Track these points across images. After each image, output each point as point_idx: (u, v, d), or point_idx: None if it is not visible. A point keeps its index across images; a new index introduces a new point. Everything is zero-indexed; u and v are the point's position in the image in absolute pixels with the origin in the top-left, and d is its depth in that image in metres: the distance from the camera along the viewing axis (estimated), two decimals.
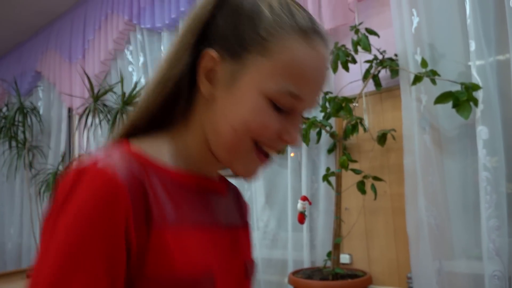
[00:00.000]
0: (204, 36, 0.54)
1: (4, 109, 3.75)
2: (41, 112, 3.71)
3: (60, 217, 0.43)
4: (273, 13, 0.50)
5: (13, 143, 3.55)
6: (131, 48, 2.88)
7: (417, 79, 1.51)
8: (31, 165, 3.55)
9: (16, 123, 3.52)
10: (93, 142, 3.04)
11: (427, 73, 1.50)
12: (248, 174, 0.55)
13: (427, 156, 1.53)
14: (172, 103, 0.55)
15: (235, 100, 0.51)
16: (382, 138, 1.65)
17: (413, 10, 1.61)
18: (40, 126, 3.65)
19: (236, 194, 0.71)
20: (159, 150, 0.55)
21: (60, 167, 3.21)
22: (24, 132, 3.54)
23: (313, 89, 0.52)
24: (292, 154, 1.96)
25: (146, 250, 0.46)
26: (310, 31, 0.51)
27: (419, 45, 1.60)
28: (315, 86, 0.52)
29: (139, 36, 2.76)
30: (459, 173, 1.53)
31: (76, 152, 3.42)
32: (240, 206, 0.71)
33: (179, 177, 0.55)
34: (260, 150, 0.53)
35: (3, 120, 3.56)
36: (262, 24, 0.50)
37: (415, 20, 1.61)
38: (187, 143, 0.57)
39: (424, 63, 1.51)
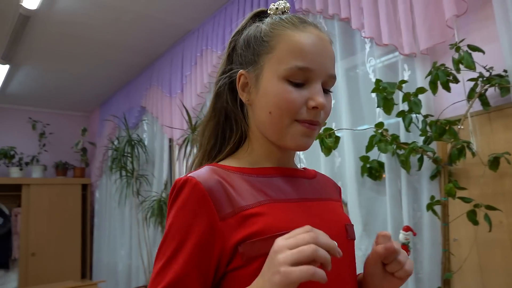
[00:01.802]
0: (231, 68, 0.74)
1: (116, 142, 4.17)
2: (146, 143, 4.05)
3: (167, 220, 0.62)
4: (268, 25, 0.70)
5: (123, 173, 3.92)
6: None
7: None
8: (138, 193, 3.87)
9: (125, 154, 3.89)
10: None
11: None
12: (298, 145, 0.68)
13: None
14: (231, 123, 0.74)
15: (263, 93, 0.67)
16: (494, 163, 1.49)
17: None
18: (145, 156, 3.98)
19: (325, 179, 0.83)
20: (238, 160, 0.71)
21: (163, 195, 3.45)
22: (132, 162, 3.89)
23: (317, 59, 0.65)
24: (383, 176, 1.87)
25: (235, 224, 0.60)
26: (298, 22, 0.68)
27: None
28: (317, 56, 0.66)
29: None
30: None
31: None
32: (331, 187, 0.82)
33: (258, 171, 0.69)
34: (301, 121, 0.66)
35: (115, 152, 3.96)
36: (263, 34, 0.69)
37: None
38: (256, 148, 0.72)
39: None
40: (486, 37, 1.63)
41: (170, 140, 3.70)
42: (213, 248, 0.59)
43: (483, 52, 1.52)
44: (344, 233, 0.70)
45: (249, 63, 0.70)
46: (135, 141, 3.94)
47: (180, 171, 3.50)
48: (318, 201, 0.72)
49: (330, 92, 0.72)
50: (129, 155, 3.91)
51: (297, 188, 0.71)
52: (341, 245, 0.61)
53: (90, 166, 5.32)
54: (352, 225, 0.74)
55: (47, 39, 3.41)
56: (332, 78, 0.69)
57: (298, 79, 0.65)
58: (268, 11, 0.75)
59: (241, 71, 0.71)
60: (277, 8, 0.73)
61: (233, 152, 0.74)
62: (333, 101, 2.21)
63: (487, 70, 1.55)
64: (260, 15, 0.76)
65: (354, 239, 0.74)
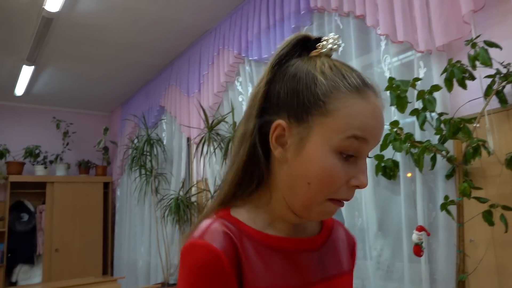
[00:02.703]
0: (265, 106, 0.62)
1: (135, 141, 4.25)
2: (164, 142, 4.11)
3: (178, 284, 0.57)
4: (326, 79, 0.59)
5: (142, 171, 3.99)
6: (240, 79, 3.04)
7: None
8: (157, 191, 3.93)
9: (144, 153, 3.95)
10: (208, 168, 3.24)
11: None
12: (324, 216, 0.62)
13: None
14: (253, 171, 0.63)
15: (306, 159, 0.58)
16: (511, 162, 1.45)
17: None
18: (164, 155, 4.04)
19: (338, 238, 0.74)
20: (253, 217, 0.63)
21: (181, 193, 3.49)
22: (151, 161, 3.96)
23: (374, 131, 0.59)
24: (409, 175, 1.84)
25: None
26: (360, 86, 0.59)
27: None
28: (374, 129, 0.59)
29: (247, 68, 2.91)
30: None
31: (194, 178, 3.68)
32: (343, 249, 0.73)
33: (271, 240, 0.62)
34: (332, 199, 0.59)
35: (135, 151, 4.03)
36: (319, 89, 0.58)
37: None
38: (273, 207, 0.64)
39: None
40: (505, 33, 1.59)
41: (188, 139, 3.74)
42: None
43: (500, 48, 1.48)
44: None
45: (293, 116, 0.59)
46: (154, 140, 4.00)
47: (198, 170, 3.54)
48: (327, 281, 0.65)
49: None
50: (148, 154, 3.97)
51: (304, 267, 0.63)
52: None
53: (112, 165, 5.43)
54: None
55: (70, 41, 3.51)
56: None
57: (351, 151, 0.58)
58: (318, 48, 0.63)
59: (280, 121, 0.60)
60: (331, 49, 0.63)
61: (249, 194, 0.66)
62: None
63: (505, 67, 1.50)
64: (307, 45, 0.64)
65: None
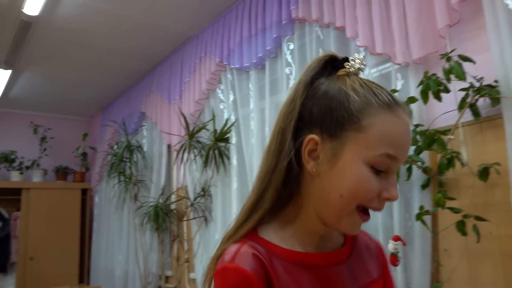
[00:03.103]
0: (298, 124, 0.64)
1: (115, 147, 4.19)
2: (145, 149, 4.07)
3: None
4: (359, 96, 0.61)
5: (122, 178, 3.93)
6: (222, 87, 3.04)
7: None
8: (136, 198, 3.88)
9: (124, 159, 3.90)
10: (189, 176, 3.22)
11: None
12: (352, 231, 0.64)
13: None
14: (284, 187, 0.65)
15: (340, 173, 0.60)
16: (484, 173, 1.49)
17: None
18: (144, 162, 3.99)
19: (365, 247, 0.76)
20: (281, 235, 0.65)
21: (160, 200, 3.45)
22: (130, 168, 3.91)
23: (404, 149, 0.62)
24: None
25: None
26: (391, 103, 0.61)
27: None
28: (405, 146, 0.62)
29: (229, 76, 2.92)
30: None
31: (174, 186, 3.65)
32: (371, 257, 0.75)
33: (300, 258, 0.64)
34: (362, 210, 0.62)
35: (114, 157, 3.97)
36: (353, 106, 0.60)
37: None
38: (303, 221, 0.66)
39: None
40: (478, 47, 1.64)
41: (169, 146, 3.71)
42: None
43: (474, 62, 1.53)
44: None
45: (326, 131, 0.61)
46: (134, 147, 3.96)
47: (178, 177, 3.51)
48: None
49: None
50: (127, 160, 3.92)
51: (334, 281, 0.65)
52: None
53: (90, 171, 5.34)
54: None
55: (49, 45, 3.45)
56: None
57: (383, 168, 0.60)
58: (347, 67, 0.66)
59: (313, 136, 0.62)
60: (359, 69, 0.65)
61: (276, 211, 0.67)
62: None
63: (478, 81, 1.55)
64: (334, 64, 0.67)
65: None
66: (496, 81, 1.52)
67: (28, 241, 4.61)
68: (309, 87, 0.65)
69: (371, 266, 0.73)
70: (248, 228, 0.65)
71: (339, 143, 0.61)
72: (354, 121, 0.60)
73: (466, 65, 1.52)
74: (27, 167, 4.93)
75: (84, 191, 5.21)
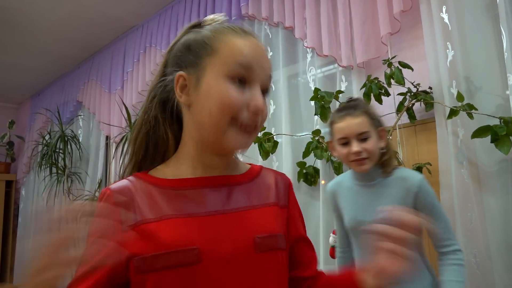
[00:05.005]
0: (167, 67, 0.74)
1: (47, 137, 3.94)
2: (80, 140, 3.87)
3: None
4: (209, 29, 0.71)
5: (54, 170, 3.71)
6: None
7: (453, 113, 1.49)
8: (69, 191, 3.68)
9: (57, 150, 3.68)
10: None
11: (463, 107, 1.47)
12: (237, 145, 0.68)
13: (465, 191, 1.49)
14: (164, 130, 0.74)
15: (206, 94, 0.67)
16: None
17: (448, 43, 1.60)
18: (79, 153, 3.80)
19: (268, 178, 0.79)
20: (164, 170, 0.72)
21: (97, 194, 3.31)
22: (64, 159, 3.70)
23: (257, 61, 0.68)
24: (323, 182, 1.95)
25: (135, 236, 0.64)
26: (238, 29, 0.71)
27: (454, 78, 1.58)
28: (256, 59, 0.68)
29: None
30: (500, 210, 1.47)
31: (112, 179, 3.52)
32: (271, 188, 0.77)
33: (178, 183, 0.70)
34: (239, 123, 0.66)
35: (45, 148, 3.73)
36: (204, 36, 0.70)
37: (450, 53, 1.60)
38: (187, 154, 0.72)
39: (460, 97, 1.49)
40: (416, 56, 1.77)
41: (107, 138, 3.56)
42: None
43: (412, 69, 1.65)
44: (250, 247, 0.66)
45: (189, 65, 0.70)
46: (69, 137, 3.75)
47: (116, 170, 3.38)
48: (235, 211, 0.69)
49: (267, 94, 0.73)
50: (61, 151, 3.71)
51: (215, 200, 0.69)
52: (246, 260, 0.64)
53: (17, 162, 4.96)
54: (275, 235, 0.70)
55: None
56: (270, 81, 0.72)
57: (240, 75, 0.66)
58: (204, 22, 0.75)
59: (180, 72, 0.70)
60: (212, 19, 0.74)
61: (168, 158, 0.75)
62: (273, 107, 2.29)
63: (415, 86, 1.67)
64: (197, 27, 0.76)
65: (278, 250, 0.69)
66: (430, 88, 1.66)
67: None
68: (175, 45, 0.75)
69: (267, 195, 0.75)
70: (128, 173, 0.75)
71: (200, 70, 0.68)
72: (207, 48, 0.68)
73: (404, 72, 1.64)
74: None
75: (9, 183, 4.83)
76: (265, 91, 0.71)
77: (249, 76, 0.67)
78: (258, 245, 0.67)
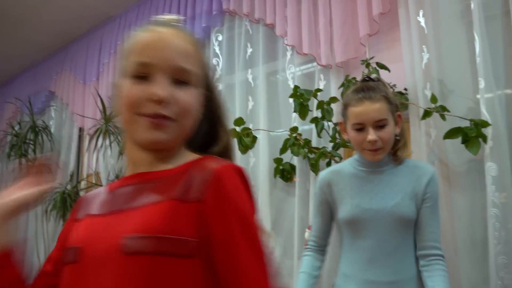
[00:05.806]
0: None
1: (17, 127, 3.81)
2: (52, 131, 3.77)
3: None
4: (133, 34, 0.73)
5: (24, 161, 3.59)
6: None
7: (427, 114, 1.54)
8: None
9: (27, 141, 3.57)
10: (102, 162, 3.07)
11: (437, 109, 1.53)
12: (147, 134, 0.67)
13: None
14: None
15: (119, 96, 0.70)
16: None
17: (423, 46, 1.66)
18: (50, 144, 3.69)
19: (191, 174, 0.66)
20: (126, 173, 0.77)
21: (68, 187, 3.23)
22: (34, 150, 3.59)
23: (156, 54, 0.67)
24: (294, 179, 1.97)
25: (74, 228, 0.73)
26: (149, 25, 0.71)
27: (429, 81, 1.63)
28: (156, 51, 0.67)
29: None
30: (467, 208, 1.54)
31: (84, 172, 3.44)
32: (181, 182, 0.66)
33: (114, 184, 0.74)
34: (146, 116, 0.66)
35: (15, 138, 3.62)
36: (126, 44, 0.72)
37: (425, 56, 1.65)
38: (128, 153, 0.74)
39: (434, 99, 1.54)
40: (393, 57, 1.82)
41: (81, 130, 3.49)
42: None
43: (389, 70, 1.69)
44: (117, 248, 0.60)
45: (120, 72, 0.73)
46: (40, 128, 3.64)
47: (89, 163, 3.32)
48: (125, 211, 0.66)
49: (187, 85, 0.69)
50: (31, 142, 3.59)
51: (120, 199, 0.69)
52: (114, 263, 0.60)
53: None
54: (154, 236, 0.60)
55: None
56: (182, 70, 0.68)
57: (139, 73, 0.67)
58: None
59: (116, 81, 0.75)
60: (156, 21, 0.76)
61: None
62: (251, 103, 2.30)
63: (391, 87, 1.72)
64: None
65: (154, 254, 0.59)
66: (405, 89, 1.71)
67: None
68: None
69: (174, 188, 0.65)
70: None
71: (120, 74, 0.72)
72: (123, 53, 0.72)
73: (381, 73, 1.68)
74: None
75: None
76: (179, 81, 0.68)
77: (148, 71, 0.67)
78: (126, 247, 0.60)
